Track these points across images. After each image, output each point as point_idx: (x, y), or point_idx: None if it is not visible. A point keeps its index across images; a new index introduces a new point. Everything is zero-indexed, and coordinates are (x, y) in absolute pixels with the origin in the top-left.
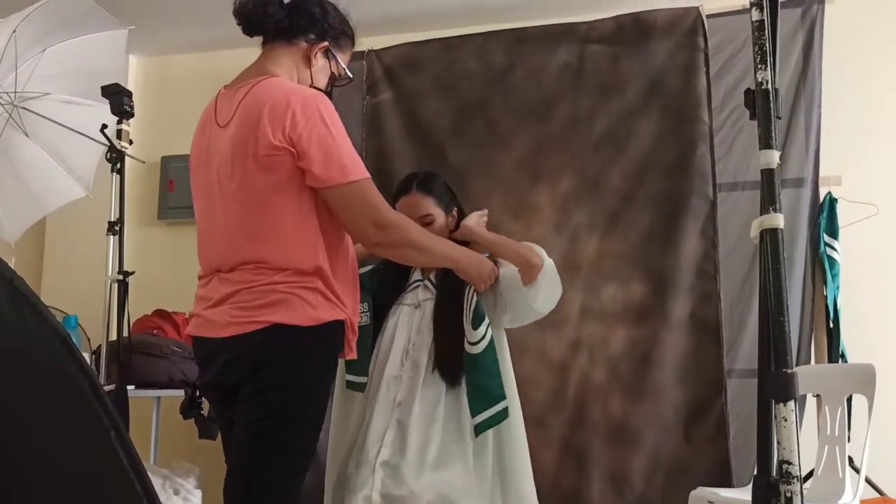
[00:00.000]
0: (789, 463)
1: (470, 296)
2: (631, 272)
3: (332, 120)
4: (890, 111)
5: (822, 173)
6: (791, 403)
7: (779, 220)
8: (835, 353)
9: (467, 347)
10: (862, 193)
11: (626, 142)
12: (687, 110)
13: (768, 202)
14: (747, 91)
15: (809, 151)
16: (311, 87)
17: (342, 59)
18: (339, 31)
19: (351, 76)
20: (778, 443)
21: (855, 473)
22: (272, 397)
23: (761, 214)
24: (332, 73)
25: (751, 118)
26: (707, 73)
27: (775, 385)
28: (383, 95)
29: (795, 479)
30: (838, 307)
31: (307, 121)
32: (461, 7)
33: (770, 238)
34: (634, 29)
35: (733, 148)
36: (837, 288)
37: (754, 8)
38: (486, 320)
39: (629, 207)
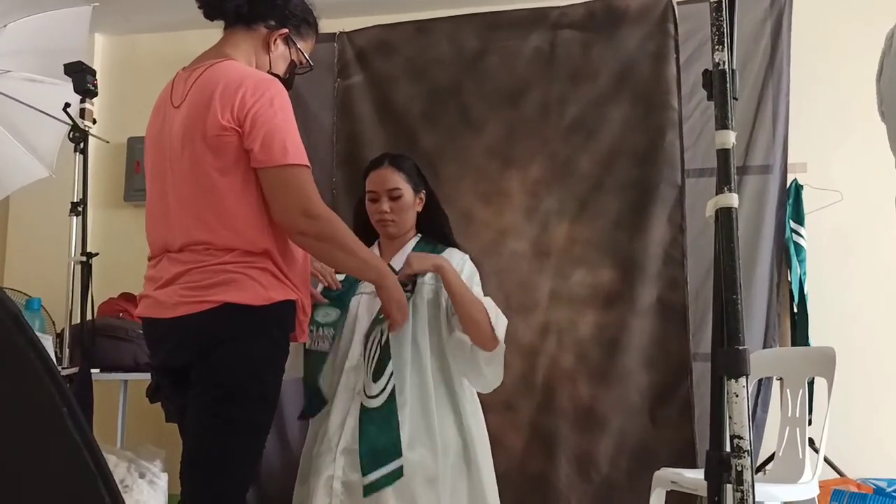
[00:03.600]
0: (740, 437)
1: (373, 344)
2: (600, 258)
3: (282, 104)
4: (855, 99)
5: (788, 160)
6: (742, 380)
7: (733, 200)
8: (801, 337)
9: (363, 400)
10: (827, 180)
11: (596, 128)
12: (656, 97)
13: (723, 182)
14: (705, 72)
15: (777, 138)
16: (268, 72)
17: (303, 47)
18: (300, 19)
19: (311, 64)
20: (729, 418)
21: (815, 454)
22: (224, 377)
23: (717, 194)
24: (291, 60)
25: (708, 99)
26: (677, 60)
27: (727, 361)
28: (354, 78)
29: (746, 453)
30: (805, 292)
31: (255, 101)
32: None
33: (724, 217)
34: (606, 15)
35: (703, 135)
36: (804, 273)
37: None
38: (389, 370)
39: (599, 194)
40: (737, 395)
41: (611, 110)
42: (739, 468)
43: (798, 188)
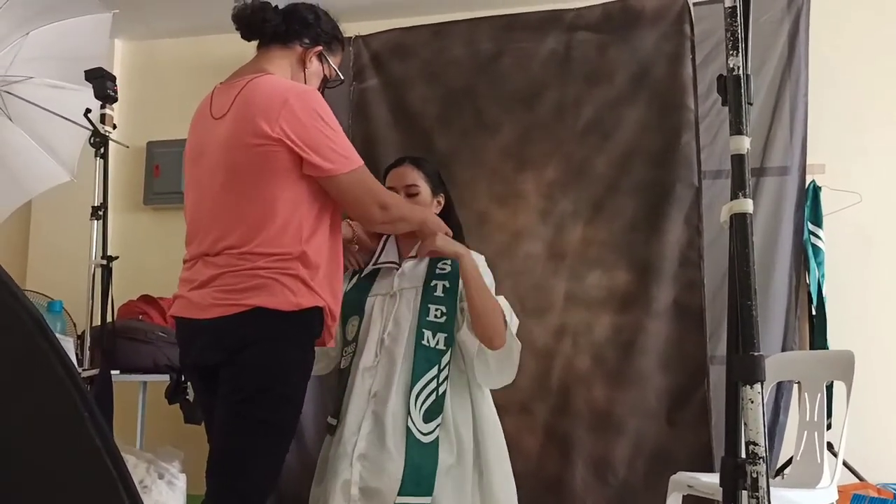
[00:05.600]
0: (755, 444)
1: (429, 392)
2: (615, 260)
3: (328, 114)
4: (874, 99)
5: (806, 161)
6: (758, 386)
7: (747, 206)
8: (819, 340)
9: (416, 434)
10: (845, 182)
11: (612, 130)
12: (673, 98)
13: (738, 187)
14: (719, 77)
15: (795, 139)
16: None
17: (334, 62)
18: (331, 36)
19: (342, 78)
20: (745, 424)
21: (834, 459)
22: (252, 378)
23: (731, 199)
24: (324, 75)
25: (723, 104)
26: (693, 60)
27: (742, 367)
28: (370, 81)
29: (762, 459)
30: (823, 295)
31: (305, 116)
32: None
33: (739, 223)
34: (621, 17)
35: (719, 135)
36: (822, 276)
37: None
38: (439, 420)
39: (614, 195)
40: (752, 402)
41: (626, 111)
42: (755, 475)
43: (816, 189)
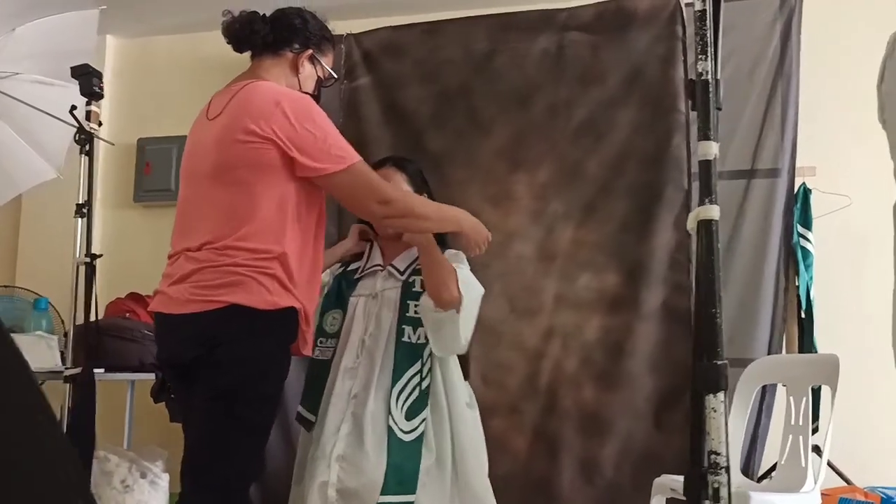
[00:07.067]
0: (717, 454)
1: (412, 387)
2: (605, 261)
3: (320, 116)
4: (866, 102)
5: (796, 164)
6: (721, 395)
7: (714, 212)
8: (807, 343)
9: (397, 433)
10: (835, 184)
11: (604, 131)
12: (664, 100)
13: (704, 194)
14: (689, 81)
15: (786, 142)
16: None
17: (326, 62)
18: (320, 37)
19: (336, 76)
20: (707, 433)
21: (818, 463)
22: (227, 375)
23: (699, 206)
24: (318, 77)
25: (692, 108)
26: (685, 62)
27: (706, 376)
28: (361, 80)
29: (723, 469)
30: (811, 298)
31: (295, 118)
32: None
33: (705, 230)
34: (614, 18)
35: None
36: (811, 279)
37: None
38: (423, 414)
39: (605, 197)
40: (715, 411)
41: (618, 113)
42: (716, 485)
43: (806, 192)
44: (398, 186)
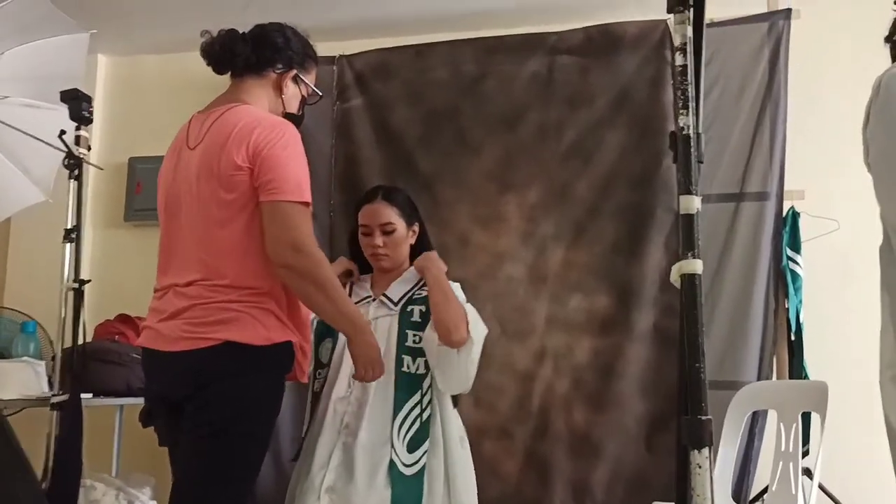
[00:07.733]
0: None
1: (412, 419)
2: (596, 283)
3: (295, 148)
4: (853, 127)
5: (785, 187)
6: (705, 451)
7: (697, 266)
8: (797, 366)
9: (399, 466)
10: (824, 208)
11: (593, 153)
12: (653, 122)
13: (686, 248)
14: (671, 134)
15: (774, 165)
16: (284, 113)
17: (309, 80)
18: (303, 56)
19: (321, 94)
20: (692, 489)
21: (808, 491)
22: (218, 413)
23: (681, 259)
24: (302, 96)
25: (673, 161)
26: (673, 85)
27: (691, 432)
28: (353, 101)
29: None
30: (801, 321)
31: (270, 143)
32: (433, 14)
33: (688, 283)
34: (603, 40)
35: None
36: (800, 302)
37: (678, 52)
38: (425, 447)
39: (595, 219)
40: (700, 466)
41: (608, 135)
42: None
43: (795, 215)
44: (388, 219)
